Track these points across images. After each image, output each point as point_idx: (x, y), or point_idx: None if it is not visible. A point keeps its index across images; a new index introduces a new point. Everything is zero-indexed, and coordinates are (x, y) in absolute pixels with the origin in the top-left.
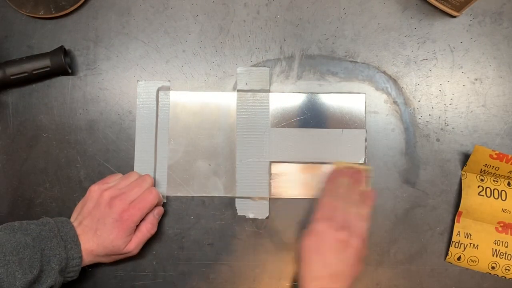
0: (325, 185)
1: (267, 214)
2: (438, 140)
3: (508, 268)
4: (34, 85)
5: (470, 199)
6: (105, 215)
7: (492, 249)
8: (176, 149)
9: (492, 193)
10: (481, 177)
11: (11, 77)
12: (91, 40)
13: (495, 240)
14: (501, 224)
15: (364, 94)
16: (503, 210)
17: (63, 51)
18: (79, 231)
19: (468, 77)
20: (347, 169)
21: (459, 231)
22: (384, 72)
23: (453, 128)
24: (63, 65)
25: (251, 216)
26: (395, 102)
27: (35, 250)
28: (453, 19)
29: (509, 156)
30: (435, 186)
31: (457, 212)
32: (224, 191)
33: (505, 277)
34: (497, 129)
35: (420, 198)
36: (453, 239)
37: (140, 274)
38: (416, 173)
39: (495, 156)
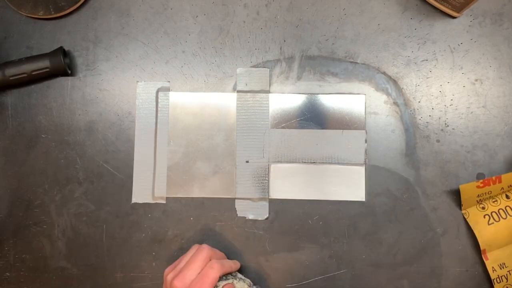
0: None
1: (267, 215)
2: (438, 141)
3: None
4: (33, 86)
5: (485, 233)
6: None
7: None
8: (175, 150)
9: (498, 215)
10: (482, 206)
11: (10, 78)
12: (91, 40)
13: None
14: None
15: (364, 95)
16: None
17: (63, 52)
18: None
19: (468, 78)
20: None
21: (493, 267)
22: (384, 73)
23: (453, 129)
24: (62, 66)
25: (251, 217)
26: (395, 103)
27: None
28: (453, 20)
29: (494, 178)
30: (435, 187)
31: (481, 251)
32: (223, 192)
33: None
34: (497, 130)
35: (420, 199)
36: (492, 277)
37: (139, 276)
38: (416, 174)
39: (481, 185)
